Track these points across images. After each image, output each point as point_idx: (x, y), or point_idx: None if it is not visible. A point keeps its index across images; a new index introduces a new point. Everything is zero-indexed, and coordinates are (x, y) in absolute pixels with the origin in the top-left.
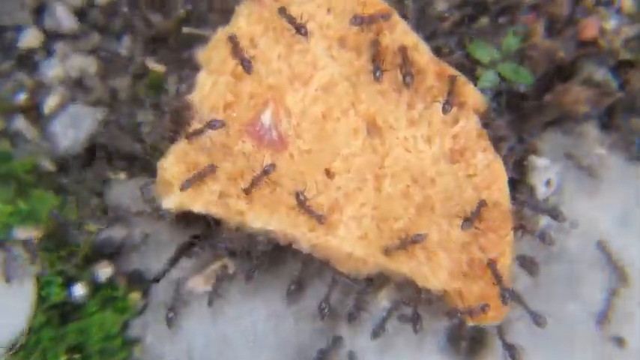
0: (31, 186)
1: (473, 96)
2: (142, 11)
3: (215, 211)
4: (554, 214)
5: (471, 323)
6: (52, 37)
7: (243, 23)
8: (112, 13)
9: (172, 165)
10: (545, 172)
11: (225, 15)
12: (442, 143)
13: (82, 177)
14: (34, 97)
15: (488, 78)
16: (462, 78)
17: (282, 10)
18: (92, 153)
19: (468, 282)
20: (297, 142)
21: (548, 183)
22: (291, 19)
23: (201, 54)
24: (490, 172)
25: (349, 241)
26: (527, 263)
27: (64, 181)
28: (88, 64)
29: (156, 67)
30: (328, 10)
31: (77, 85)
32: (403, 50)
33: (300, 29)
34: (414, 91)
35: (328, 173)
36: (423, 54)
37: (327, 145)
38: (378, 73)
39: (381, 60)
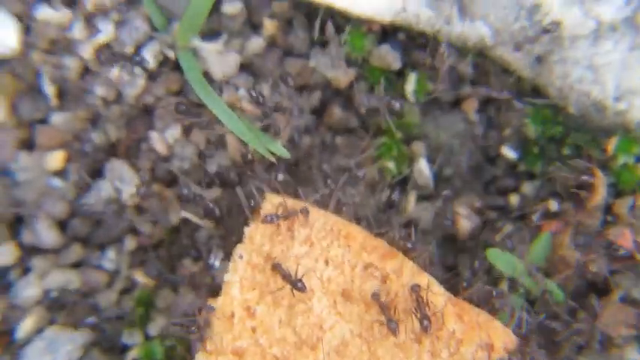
0: None
1: (500, 335)
2: (131, 220)
3: None
4: None
5: None
6: (29, 251)
7: (236, 292)
8: (95, 223)
9: None
10: None
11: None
12: None
13: None
14: (5, 322)
15: (514, 300)
16: (482, 315)
17: (277, 266)
18: None
19: None
20: None
21: None
22: (286, 276)
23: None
24: None
25: None
26: None
27: None
28: (69, 281)
29: (145, 281)
30: (326, 262)
31: (56, 305)
32: (416, 291)
33: (296, 285)
34: (435, 337)
35: None
36: (438, 294)
37: None
38: (393, 325)
39: (392, 310)
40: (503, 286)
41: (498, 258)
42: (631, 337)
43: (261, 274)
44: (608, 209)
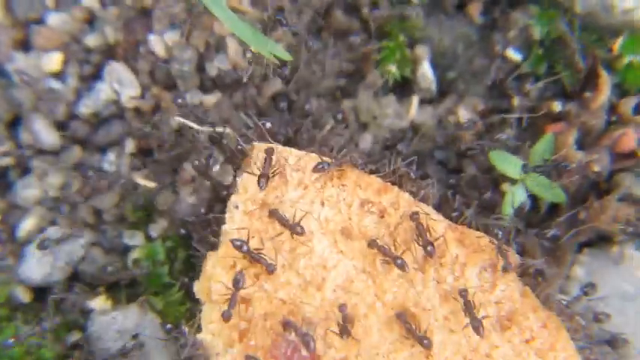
0: (3, 320)
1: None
2: (130, 123)
3: None
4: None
5: None
6: (28, 152)
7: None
8: (96, 125)
9: None
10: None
11: None
12: (486, 313)
13: (61, 308)
14: (6, 220)
15: (516, 194)
16: (483, 239)
17: (274, 213)
18: (73, 280)
19: None
20: (329, 352)
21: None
22: (284, 221)
23: (197, 287)
24: (549, 332)
25: None
26: None
27: (40, 313)
28: (69, 182)
29: (145, 183)
30: (322, 204)
31: (56, 206)
32: (416, 219)
33: (295, 229)
34: (439, 264)
35: None
36: (437, 221)
37: (363, 347)
38: (400, 262)
39: (394, 247)
40: (505, 189)
41: (500, 160)
42: (631, 234)
43: (259, 222)
44: (612, 109)
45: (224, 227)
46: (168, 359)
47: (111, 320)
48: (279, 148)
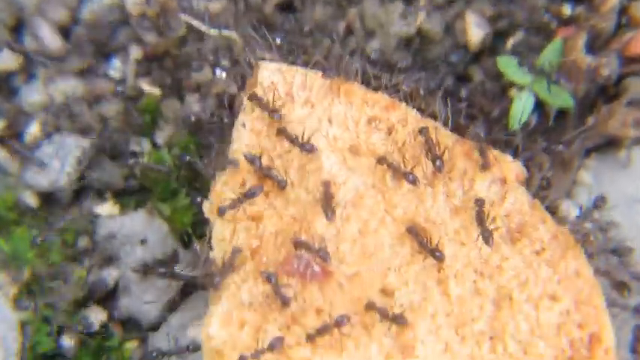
0: (12, 224)
1: (511, 167)
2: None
3: None
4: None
5: None
6: (33, 58)
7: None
8: (100, 31)
9: (219, 330)
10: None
11: None
12: (496, 225)
13: (69, 213)
14: (13, 126)
15: (524, 100)
16: (493, 152)
17: (282, 131)
18: (80, 186)
19: None
20: (341, 268)
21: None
22: (293, 138)
23: (206, 207)
24: (559, 243)
25: (432, 358)
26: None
27: (49, 218)
28: (75, 88)
29: (151, 90)
30: (330, 121)
31: (62, 112)
32: (425, 133)
33: (304, 147)
34: (448, 179)
35: (385, 292)
36: (445, 136)
37: (374, 261)
38: (411, 178)
39: (403, 163)
40: (512, 94)
41: (508, 65)
42: (638, 139)
43: (267, 140)
44: (622, 11)
45: (231, 146)
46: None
47: (119, 225)
48: (284, 67)
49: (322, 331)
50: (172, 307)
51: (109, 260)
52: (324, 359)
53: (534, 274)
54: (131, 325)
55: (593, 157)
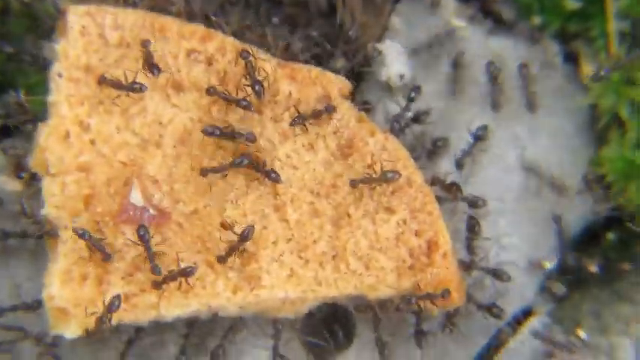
0: None
1: (334, 83)
2: None
3: (127, 317)
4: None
5: (435, 312)
6: None
7: (64, 110)
8: None
9: (60, 290)
10: (397, 59)
11: None
12: (326, 144)
13: None
14: None
15: None
16: (314, 70)
17: (104, 79)
18: None
19: (418, 274)
20: (177, 207)
21: (401, 77)
22: (117, 84)
23: (32, 161)
24: (388, 153)
25: (279, 285)
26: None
27: None
28: None
29: None
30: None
31: None
32: (245, 57)
33: (133, 88)
34: (274, 103)
35: (225, 225)
36: (266, 60)
37: (211, 196)
38: (244, 103)
39: (225, 90)
40: None
41: None
42: None
43: (86, 87)
44: None
45: (50, 98)
46: None
47: None
48: (93, 9)
49: (168, 279)
50: None
51: None
52: (172, 302)
53: (369, 188)
54: None
55: (403, 2)
